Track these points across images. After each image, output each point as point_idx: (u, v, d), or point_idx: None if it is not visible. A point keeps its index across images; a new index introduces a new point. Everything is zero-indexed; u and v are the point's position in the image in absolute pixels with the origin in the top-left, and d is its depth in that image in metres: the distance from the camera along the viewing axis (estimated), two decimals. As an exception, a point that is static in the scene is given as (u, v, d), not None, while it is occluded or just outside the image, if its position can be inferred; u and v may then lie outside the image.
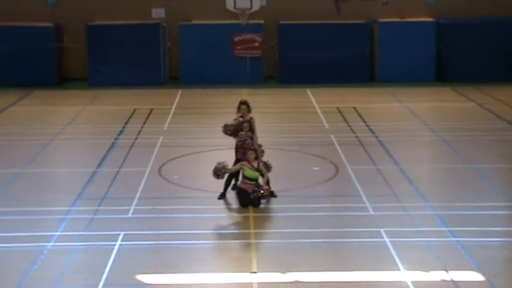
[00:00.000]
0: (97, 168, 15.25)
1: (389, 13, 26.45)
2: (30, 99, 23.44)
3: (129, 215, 12.44)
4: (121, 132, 18.59)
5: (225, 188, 13.17)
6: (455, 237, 11.26)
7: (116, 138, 17.85)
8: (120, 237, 11.30)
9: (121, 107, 21.96)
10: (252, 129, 13.18)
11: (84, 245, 11.16)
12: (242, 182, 12.87)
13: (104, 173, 14.89)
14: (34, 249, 10.86)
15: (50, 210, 12.64)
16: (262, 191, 12.57)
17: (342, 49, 25.76)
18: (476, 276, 9.95)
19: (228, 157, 13.40)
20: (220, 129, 13.70)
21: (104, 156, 16.15)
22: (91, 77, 25.75)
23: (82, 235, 11.50)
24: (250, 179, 12.72)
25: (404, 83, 25.14)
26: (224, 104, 21.12)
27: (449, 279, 9.87)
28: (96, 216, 12.33)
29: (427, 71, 25.91)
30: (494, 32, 25.67)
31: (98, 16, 26.15)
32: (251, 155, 12.78)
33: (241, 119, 13.42)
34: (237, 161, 13.14)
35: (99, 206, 12.86)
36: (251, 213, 12.45)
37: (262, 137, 13.81)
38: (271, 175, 13.18)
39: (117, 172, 14.96)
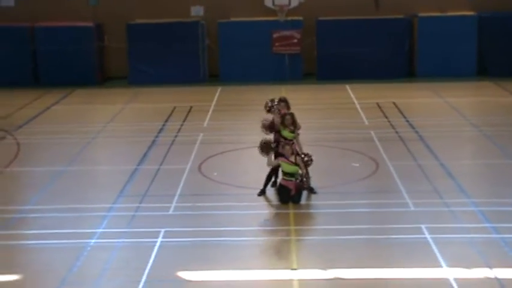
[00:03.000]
0: (138, 165, 15.41)
1: (430, 7, 26.17)
2: (72, 98, 23.77)
3: (170, 212, 12.54)
4: (161, 129, 18.75)
5: (265, 185, 13.20)
6: (498, 233, 11.11)
7: (156, 136, 18.00)
8: (161, 234, 11.40)
9: (161, 104, 22.13)
10: (294, 122, 13.16)
11: (125, 241, 11.28)
12: (282, 178, 12.86)
13: (144, 171, 15.03)
14: (77, 246, 11.02)
15: (92, 207, 12.81)
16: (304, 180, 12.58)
17: (381, 44, 25.58)
18: (520, 273, 9.82)
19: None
20: (259, 124, 13.73)
21: (145, 154, 16.30)
22: (131, 75, 26.00)
23: (124, 232, 11.63)
24: (290, 175, 12.71)
25: (445, 78, 24.87)
26: (263, 100, 21.05)
27: (492, 277, 9.74)
28: (137, 213, 12.46)
29: (468, 66, 25.58)
30: (537, 25, 25.24)
31: (138, 15, 26.39)
32: (288, 150, 12.77)
33: (283, 111, 13.41)
34: (276, 155, 13.09)
35: (140, 203, 12.99)
36: (291, 210, 12.45)
37: (302, 133, 13.78)
38: (311, 171, 13.16)
39: (158, 169, 15.09)
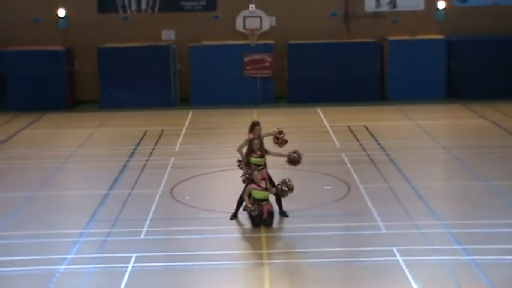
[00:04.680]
0: (109, 190, 15.28)
1: (399, 31, 26.50)
2: (42, 123, 23.58)
3: (142, 236, 12.44)
4: (132, 153, 18.65)
5: (237, 208, 13.16)
6: (469, 255, 11.17)
7: (127, 160, 17.90)
8: (133, 259, 11.29)
9: (132, 128, 22.04)
10: (262, 145, 13.15)
11: (97, 267, 11.15)
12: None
13: (116, 195, 14.91)
14: (47, 273, 10.86)
15: (62, 233, 12.66)
16: (286, 188, 12.60)
17: (352, 68, 25.80)
18: (491, 295, 9.87)
19: (239, 177, 13.37)
20: (234, 149, 13.67)
21: (116, 178, 16.19)
22: (102, 100, 25.89)
23: (95, 257, 11.50)
24: (261, 200, 12.70)
25: (415, 101, 25.12)
26: (235, 124, 21.18)
27: (463, 298, 9.79)
28: (108, 239, 12.34)
29: (438, 89, 25.89)
30: (504, 49, 25.65)
31: (109, 39, 26.35)
32: (257, 176, 12.75)
33: (251, 136, 13.35)
34: (246, 185, 13.04)
35: (111, 228, 12.87)
36: (263, 234, 12.42)
37: (273, 156, 13.79)
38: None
39: (129, 194, 14.98)
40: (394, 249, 11.45)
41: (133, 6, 26.68)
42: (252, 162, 13.09)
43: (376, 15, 26.81)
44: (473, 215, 13.17)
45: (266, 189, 12.76)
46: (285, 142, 13.70)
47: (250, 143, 13.19)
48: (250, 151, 13.13)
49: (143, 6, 26.71)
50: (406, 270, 10.64)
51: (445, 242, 11.83)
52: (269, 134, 13.65)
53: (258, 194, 12.71)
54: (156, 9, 26.71)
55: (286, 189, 12.75)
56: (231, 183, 14.66)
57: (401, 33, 26.43)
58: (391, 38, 26.16)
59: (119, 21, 26.65)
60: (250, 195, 12.76)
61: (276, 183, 13.00)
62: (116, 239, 12.34)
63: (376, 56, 26.03)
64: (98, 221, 13.27)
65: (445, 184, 15.80)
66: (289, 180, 12.84)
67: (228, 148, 17.80)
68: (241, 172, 13.24)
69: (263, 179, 12.83)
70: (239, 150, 13.39)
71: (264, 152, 13.15)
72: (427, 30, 26.58)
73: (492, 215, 13.06)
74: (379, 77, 26.09)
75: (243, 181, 13.07)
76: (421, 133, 20.51)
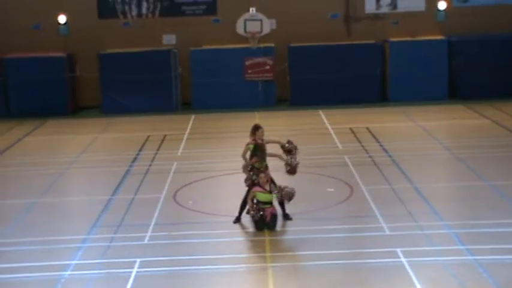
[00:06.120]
0: (112, 195, 15.30)
1: (400, 32, 26.50)
2: (44, 129, 23.61)
3: (145, 241, 12.45)
4: (135, 159, 18.66)
5: (240, 212, 13.16)
6: (473, 255, 11.17)
7: (130, 165, 17.91)
8: (137, 264, 11.30)
9: (134, 134, 22.06)
10: (263, 151, 13.16)
11: (101, 273, 11.16)
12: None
13: (119, 200, 14.93)
14: (51, 279, 10.87)
15: (66, 239, 12.67)
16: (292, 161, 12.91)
17: (354, 69, 25.81)
18: (495, 295, 9.87)
19: (242, 181, 13.37)
20: (236, 152, 13.68)
21: (119, 184, 16.20)
22: (104, 105, 25.93)
23: (99, 263, 11.51)
24: (265, 203, 12.71)
25: (417, 102, 25.12)
26: (237, 128, 21.18)
27: (468, 298, 9.78)
28: (112, 244, 12.35)
29: (439, 89, 25.87)
30: (505, 48, 25.64)
31: (110, 44, 26.39)
32: (263, 178, 12.76)
33: (259, 141, 13.33)
34: (249, 188, 13.07)
35: (115, 233, 12.88)
36: (267, 237, 12.42)
37: (275, 160, 13.79)
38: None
39: (132, 199, 15.00)
40: (398, 250, 11.45)
41: (134, 12, 26.72)
42: (255, 166, 13.09)
43: (376, 16, 26.83)
44: (477, 215, 13.17)
45: (270, 192, 12.75)
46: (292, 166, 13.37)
47: (255, 147, 13.15)
48: (255, 155, 13.11)
49: (144, 11, 26.75)
50: (410, 272, 10.63)
51: (449, 242, 11.82)
52: (273, 142, 13.57)
53: (261, 196, 12.71)
54: (157, 14, 26.75)
55: (287, 195, 12.71)
56: (234, 187, 14.67)
57: (402, 35, 26.42)
58: (392, 39, 26.17)
59: (120, 27, 26.69)
60: (254, 198, 12.75)
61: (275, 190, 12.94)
62: (120, 244, 12.35)
63: (377, 57, 26.03)
64: (101, 227, 13.29)
65: (448, 185, 15.79)
66: (285, 188, 12.77)
67: (231, 152, 17.83)
68: (244, 176, 13.25)
69: (267, 181, 12.83)
70: (243, 156, 13.38)
71: (266, 156, 13.15)
72: (428, 31, 26.57)
73: (495, 215, 13.05)
74: (380, 79, 26.09)
75: (248, 185, 13.08)
76: (423, 134, 20.51)
